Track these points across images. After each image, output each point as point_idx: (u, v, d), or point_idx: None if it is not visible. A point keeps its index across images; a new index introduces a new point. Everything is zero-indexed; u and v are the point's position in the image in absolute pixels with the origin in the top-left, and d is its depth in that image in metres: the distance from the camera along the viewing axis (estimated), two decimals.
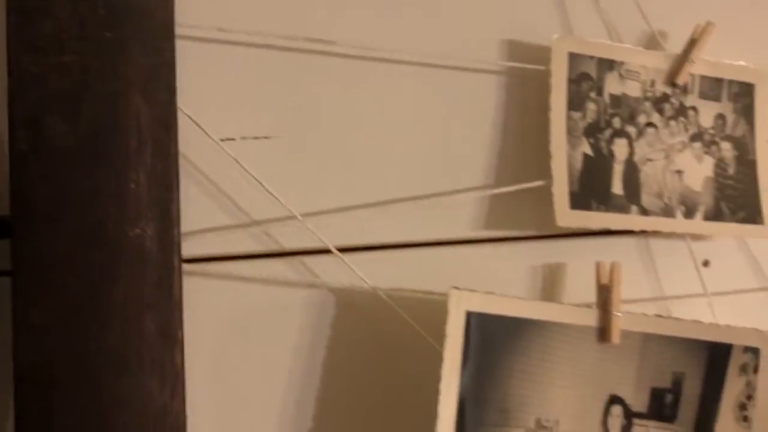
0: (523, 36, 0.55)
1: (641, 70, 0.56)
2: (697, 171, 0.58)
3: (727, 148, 0.59)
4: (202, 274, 0.47)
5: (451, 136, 0.54)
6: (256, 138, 0.48)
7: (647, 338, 0.55)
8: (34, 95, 0.37)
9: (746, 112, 0.60)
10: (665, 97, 0.57)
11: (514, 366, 0.50)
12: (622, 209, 0.54)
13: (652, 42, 0.59)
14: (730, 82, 0.60)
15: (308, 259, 0.50)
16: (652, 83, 0.57)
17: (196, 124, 0.45)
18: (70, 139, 0.38)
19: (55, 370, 0.38)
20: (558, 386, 0.52)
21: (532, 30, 0.55)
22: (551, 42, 0.53)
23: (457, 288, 0.48)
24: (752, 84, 0.61)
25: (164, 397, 0.39)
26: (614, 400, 0.55)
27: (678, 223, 0.56)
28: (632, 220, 0.54)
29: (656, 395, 0.56)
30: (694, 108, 0.58)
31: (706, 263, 0.62)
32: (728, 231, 0.58)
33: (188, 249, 0.46)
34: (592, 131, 0.55)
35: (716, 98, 0.59)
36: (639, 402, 0.55)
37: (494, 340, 0.50)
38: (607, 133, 0.55)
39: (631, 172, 0.55)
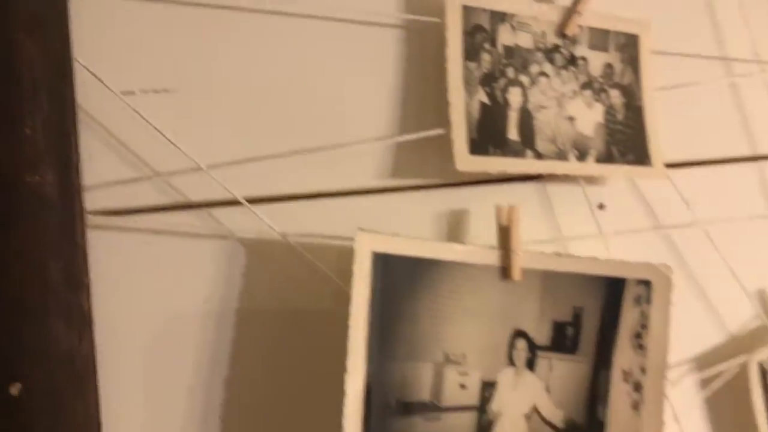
0: None
1: (532, 21, 0.59)
2: (588, 117, 0.61)
3: (615, 96, 0.62)
4: (108, 227, 0.48)
5: (353, 88, 0.55)
6: (156, 91, 0.49)
7: (547, 275, 0.58)
8: None
9: (632, 61, 0.64)
10: (556, 48, 0.60)
11: (420, 304, 0.52)
12: (518, 154, 0.57)
13: None
14: (617, 33, 0.63)
15: (216, 211, 0.51)
16: (543, 34, 0.60)
17: (93, 75, 0.45)
18: None
19: None
20: (464, 322, 0.55)
21: None
22: None
23: (363, 230, 0.49)
24: (636, 35, 0.64)
25: (71, 340, 0.39)
26: (518, 334, 0.57)
27: (572, 166, 0.59)
28: (528, 163, 0.57)
29: (558, 329, 0.59)
30: (583, 58, 0.62)
31: (601, 206, 0.65)
32: (619, 173, 0.61)
33: (93, 202, 0.46)
34: (487, 81, 0.57)
35: (604, 48, 0.62)
36: (542, 335, 0.58)
37: (401, 280, 0.52)
38: (502, 82, 0.58)
39: (526, 119, 0.58)
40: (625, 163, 0.62)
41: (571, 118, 0.60)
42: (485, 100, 0.57)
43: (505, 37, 0.58)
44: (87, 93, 0.45)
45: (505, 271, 0.56)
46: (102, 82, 0.45)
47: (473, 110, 0.56)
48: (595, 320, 0.60)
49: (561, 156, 0.59)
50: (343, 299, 0.48)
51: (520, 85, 0.58)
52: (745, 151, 0.74)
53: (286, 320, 0.52)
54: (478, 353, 0.55)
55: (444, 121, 0.55)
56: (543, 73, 0.60)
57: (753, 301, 0.72)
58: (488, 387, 0.56)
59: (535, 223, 0.63)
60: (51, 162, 0.40)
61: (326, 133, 0.54)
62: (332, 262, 0.52)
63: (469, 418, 0.55)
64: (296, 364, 0.53)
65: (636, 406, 0.60)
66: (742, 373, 0.67)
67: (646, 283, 0.61)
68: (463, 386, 0.55)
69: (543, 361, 0.58)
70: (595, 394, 0.60)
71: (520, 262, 0.57)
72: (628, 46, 0.64)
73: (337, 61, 0.55)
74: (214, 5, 0.50)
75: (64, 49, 0.41)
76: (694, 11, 0.71)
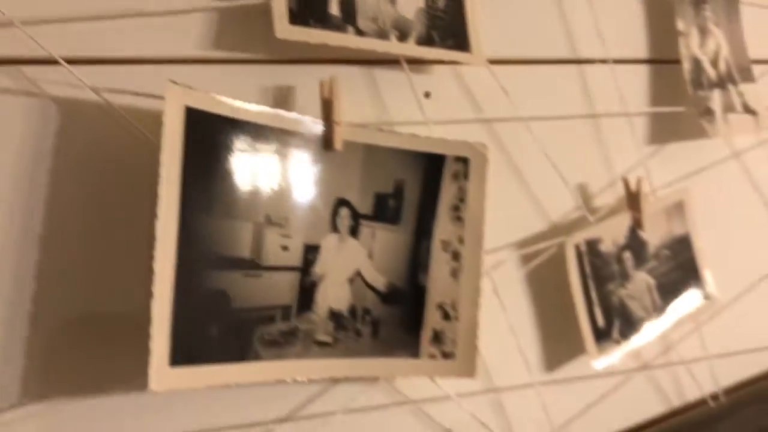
0: None
1: None
2: (409, 1, 0.64)
3: None
4: None
5: None
6: None
7: (369, 149, 0.61)
8: None
9: None
10: None
11: (241, 165, 0.54)
12: (339, 29, 0.60)
13: None
14: None
15: (28, 69, 0.51)
16: None
17: None
18: None
19: None
20: (287, 188, 0.57)
21: None
22: None
23: (174, 82, 0.50)
24: None
25: None
26: (341, 202, 0.60)
27: (392, 45, 0.62)
28: (349, 39, 0.60)
29: (380, 200, 0.62)
30: None
31: (427, 94, 0.69)
32: (438, 56, 0.65)
33: None
34: None
35: None
36: (365, 205, 0.61)
37: (220, 141, 0.53)
38: None
39: None
40: (444, 47, 0.65)
41: (392, 1, 0.63)
42: None
43: None
44: None
45: (327, 141, 0.59)
46: None
47: None
48: (416, 193, 0.63)
49: (382, 35, 0.62)
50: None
51: None
52: (566, 54, 0.79)
53: (100, 179, 0.53)
54: (301, 218, 0.57)
55: None
56: None
57: (574, 194, 0.78)
58: (311, 250, 0.58)
59: (362, 107, 0.66)
60: None
61: None
62: (149, 125, 0.53)
63: (291, 278, 0.57)
64: (111, 221, 0.53)
65: (455, 274, 0.64)
66: (560, 254, 0.73)
67: (464, 161, 0.65)
68: (285, 248, 0.57)
69: (366, 229, 0.61)
70: (417, 262, 0.63)
71: (342, 134, 0.59)
72: None
73: None
74: None
75: None
76: None
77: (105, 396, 0.53)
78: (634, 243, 0.79)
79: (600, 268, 0.76)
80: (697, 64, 0.85)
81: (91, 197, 0.53)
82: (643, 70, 0.85)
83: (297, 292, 0.58)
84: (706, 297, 0.85)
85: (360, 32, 0.61)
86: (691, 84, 0.83)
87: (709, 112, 0.84)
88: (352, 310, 0.60)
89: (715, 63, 0.87)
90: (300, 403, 0.62)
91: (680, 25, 0.84)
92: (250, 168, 0.55)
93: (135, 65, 0.55)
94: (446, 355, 0.64)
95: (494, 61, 0.71)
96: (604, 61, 0.80)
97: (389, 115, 0.67)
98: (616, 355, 0.75)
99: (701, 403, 0.89)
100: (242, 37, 0.59)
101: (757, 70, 0.92)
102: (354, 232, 0.61)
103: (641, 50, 0.85)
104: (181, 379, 0.50)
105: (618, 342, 0.76)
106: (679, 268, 0.83)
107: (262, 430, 0.60)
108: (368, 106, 0.66)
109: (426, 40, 0.64)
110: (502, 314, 0.71)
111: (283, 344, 0.57)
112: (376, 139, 0.61)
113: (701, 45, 0.86)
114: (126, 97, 0.54)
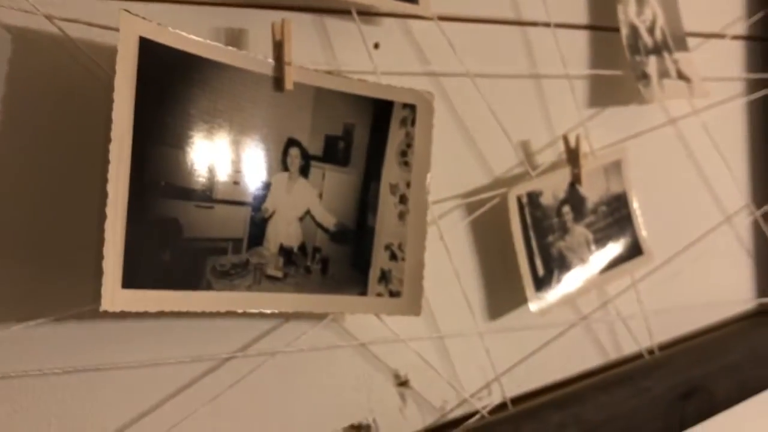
0: None
1: None
2: None
3: None
4: None
5: None
6: None
7: (319, 91, 0.63)
8: None
9: None
10: None
11: (193, 99, 0.55)
12: None
13: None
14: None
15: None
16: None
17: None
18: None
19: None
20: (237, 124, 0.58)
21: None
22: None
23: (128, 11, 0.51)
24: None
25: None
26: (291, 142, 0.62)
27: None
28: None
29: (330, 142, 0.64)
30: None
31: (376, 45, 0.71)
32: (388, 6, 0.67)
33: None
34: None
35: None
36: (314, 147, 0.63)
37: (173, 73, 0.54)
38: None
39: None
40: None
41: None
42: None
43: None
44: None
45: (278, 82, 0.60)
46: None
47: None
48: (365, 137, 0.65)
49: None
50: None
51: None
52: (510, 15, 0.82)
53: (53, 109, 0.54)
54: (252, 155, 0.59)
55: None
56: None
57: (517, 150, 0.81)
58: (262, 187, 0.60)
59: (313, 55, 0.68)
60: None
61: None
62: (104, 58, 0.54)
63: (242, 213, 0.59)
64: (63, 152, 0.54)
65: (402, 216, 0.67)
66: (503, 205, 0.76)
67: (412, 107, 0.67)
68: (236, 183, 0.59)
69: (316, 170, 0.63)
70: (365, 203, 0.66)
71: (292, 74, 0.61)
72: None
73: None
74: None
75: None
76: None
77: (56, 323, 0.54)
78: (574, 198, 0.83)
79: (541, 220, 0.79)
80: (634, 30, 0.89)
81: (42, 127, 0.53)
82: (583, 35, 0.89)
83: (248, 227, 0.59)
84: (641, 253, 0.89)
85: None
86: (628, 49, 0.87)
87: (645, 77, 0.88)
88: (303, 248, 0.62)
89: (651, 30, 0.91)
90: (249, 340, 0.64)
91: None
92: (202, 103, 0.56)
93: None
94: (393, 294, 0.66)
95: (441, 18, 0.74)
96: (547, 25, 0.83)
97: (339, 64, 0.69)
98: (552, 300, 0.78)
99: (637, 356, 0.93)
100: None
101: (692, 42, 0.96)
102: (304, 172, 0.62)
103: (582, 16, 0.89)
104: (133, 301, 0.52)
105: (556, 289, 0.79)
106: (616, 224, 0.87)
107: (210, 364, 0.61)
108: (319, 54, 0.68)
109: None
110: (447, 262, 0.73)
111: (234, 276, 0.59)
112: (326, 82, 0.63)
113: (638, 13, 0.90)
114: (81, 29, 0.54)
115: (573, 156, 0.82)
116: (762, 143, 1.12)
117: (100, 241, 0.49)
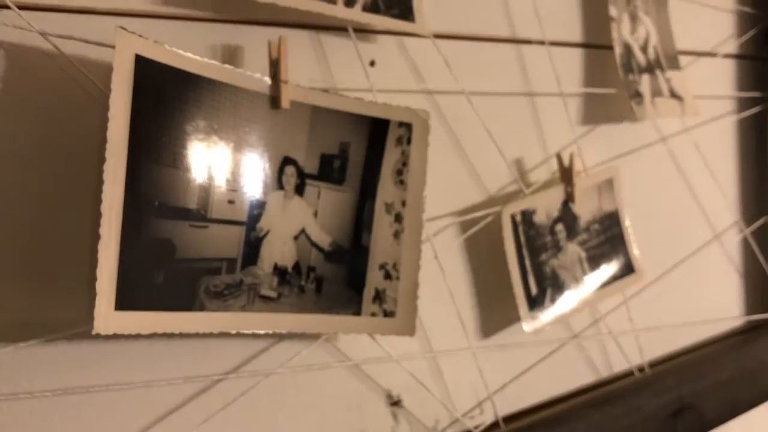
0: None
1: None
2: None
3: None
4: None
5: None
6: None
7: (316, 110, 0.62)
8: None
9: None
10: None
11: (189, 118, 0.55)
12: None
13: None
14: None
15: None
16: None
17: None
18: None
19: None
20: (233, 144, 0.58)
21: None
22: None
23: (124, 29, 0.51)
24: None
25: None
26: (287, 161, 0.61)
27: (339, 10, 0.64)
28: (296, 0, 0.61)
29: (325, 160, 0.64)
30: None
31: (372, 63, 0.71)
32: (385, 23, 0.67)
33: None
34: None
35: None
36: (310, 165, 0.63)
37: (170, 91, 0.54)
38: None
39: None
40: (390, 16, 0.67)
41: None
42: None
43: None
44: None
45: (275, 100, 0.60)
46: None
47: None
48: (361, 156, 0.65)
49: (329, 0, 0.63)
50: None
51: None
52: (505, 34, 0.82)
53: (47, 126, 0.53)
54: (247, 174, 0.58)
55: None
56: None
57: (511, 168, 0.81)
58: (257, 206, 0.59)
59: (310, 71, 0.67)
60: None
61: None
62: (99, 75, 0.53)
63: (236, 232, 0.58)
64: (56, 169, 0.53)
65: (397, 235, 0.66)
66: (497, 223, 0.76)
67: (408, 126, 0.67)
68: (231, 202, 0.58)
69: (311, 188, 0.63)
70: (360, 222, 0.65)
71: (289, 93, 0.60)
72: None
73: None
74: None
75: None
76: None
77: (47, 344, 0.53)
78: (567, 216, 0.83)
79: (534, 239, 0.79)
80: (627, 49, 0.89)
81: (36, 145, 0.53)
82: (577, 54, 0.89)
83: (242, 246, 0.59)
84: (633, 271, 0.89)
85: None
86: (621, 67, 0.88)
87: (638, 95, 0.88)
88: (297, 267, 0.62)
89: (644, 49, 0.91)
90: (242, 360, 0.63)
91: (612, 11, 0.88)
92: (198, 121, 0.55)
93: (85, 15, 0.55)
94: (387, 314, 0.66)
95: (437, 36, 0.73)
96: (541, 43, 0.83)
97: (335, 81, 0.68)
98: (545, 319, 0.78)
99: (628, 374, 0.93)
100: None
101: (683, 60, 0.97)
102: (299, 190, 0.62)
103: (577, 34, 0.89)
104: (126, 324, 0.51)
105: (549, 309, 0.79)
106: (608, 243, 0.87)
107: (202, 385, 0.60)
108: (315, 71, 0.68)
109: (372, 8, 0.66)
110: (441, 280, 0.73)
111: (227, 296, 0.58)
112: (322, 100, 0.63)
113: (632, 31, 0.90)
114: (76, 46, 0.54)
115: (566, 174, 0.82)
116: (752, 161, 1.12)
117: (93, 262, 0.48)
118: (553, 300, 0.80)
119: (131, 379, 0.57)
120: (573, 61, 0.88)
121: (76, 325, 0.53)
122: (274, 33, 0.62)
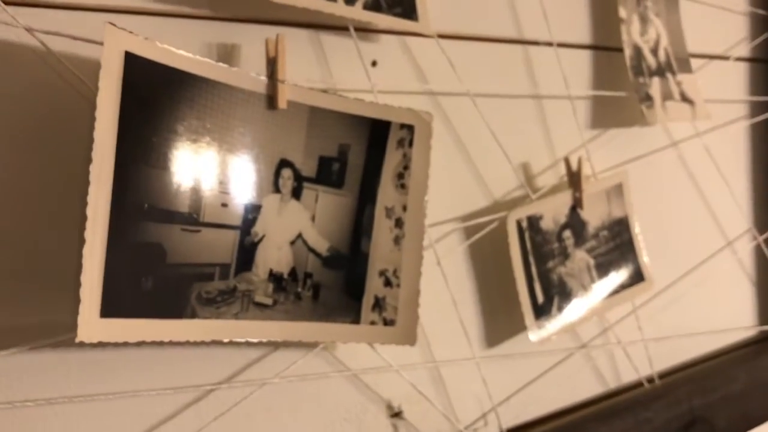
0: None
1: None
2: None
3: None
4: None
5: None
6: None
7: (314, 111, 0.60)
8: None
9: None
10: None
11: (181, 118, 0.53)
12: None
13: None
14: None
15: None
16: None
17: None
18: None
19: None
20: (228, 144, 0.56)
21: None
22: None
23: (113, 25, 0.49)
24: None
25: None
26: (284, 163, 0.59)
27: (339, 7, 0.62)
28: None
29: (324, 163, 0.61)
30: None
31: (374, 63, 0.69)
32: (386, 22, 0.65)
33: None
34: None
35: None
36: (308, 168, 0.60)
37: (161, 90, 0.52)
38: None
39: None
40: (392, 15, 0.65)
41: None
42: None
43: None
44: None
45: (271, 100, 0.58)
46: None
47: None
48: (361, 158, 0.63)
49: None
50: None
51: None
52: (512, 34, 0.80)
53: (34, 124, 0.51)
54: (242, 176, 0.56)
55: None
56: None
57: (517, 172, 0.79)
58: (252, 210, 0.57)
59: (309, 71, 0.65)
60: None
61: None
62: (87, 73, 0.51)
63: (230, 236, 0.56)
64: (43, 168, 0.51)
65: (397, 241, 0.64)
66: (503, 229, 0.73)
67: (410, 128, 0.65)
68: (224, 205, 0.56)
69: (309, 192, 0.60)
70: (360, 227, 0.63)
71: (286, 93, 0.58)
72: None
73: None
74: None
75: None
76: None
77: (31, 352, 0.51)
78: (575, 222, 0.80)
79: (541, 246, 0.77)
80: (637, 51, 0.87)
81: (22, 145, 0.51)
82: (586, 55, 0.87)
83: (236, 251, 0.57)
84: (643, 279, 0.86)
85: None
86: (631, 70, 0.85)
87: (648, 98, 0.86)
88: (293, 273, 0.60)
89: (655, 51, 0.89)
90: (237, 369, 0.61)
91: (622, 12, 0.86)
92: (190, 121, 0.53)
93: (75, 11, 0.53)
94: (387, 322, 0.64)
95: (441, 36, 0.71)
96: (549, 44, 0.81)
97: (335, 81, 0.66)
98: (552, 329, 0.75)
99: (637, 385, 0.90)
100: None
101: (695, 63, 0.94)
102: (296, 194, 0.60)
103: (585, 36, 0.87)
104: (112, 332, 0.49)
105: (556, 318, 0.77)
106: (617, 250, 0.85)
107: (194, 395, 0.58)
108: (315, 70, 0.66)
109: (374, 6, 0.64)
110: (444, 287, 0.70)
111: (220, 303, 0.56)
112: (321, 101, 0.60)
113: (642, 33, 0.88)
114: (64, 43, 0.52)
115: (574, 179, 0.79)
116: (765, 167, 1.10)
117: (79, 267, 0.46)
118: (560, 308, 0.77)
119: (121, 388, 0.55)
120: (582, 63, 0.86)
121: (62, 332, 0.51)
122: (272, 31, 0.60)
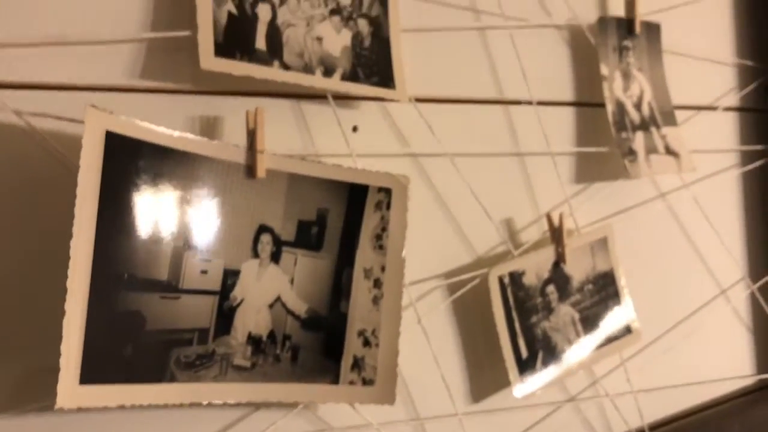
0: None
1: None
2: (335, 40, 0.67)
3: (363, 24, 0.69)
4: None
5: None
6: None
7: (293, 177, 0.63)
8: None
9: None
10: None
11: (161, 190, 0.55)
12: (265, 63, 0.62)
13: None
14: None
15: None
16: None
17: None
18: None
19: None
20: (208, 213, 0.58)
21: None
22: None
23: (94, 106, 0.52)
24: None
25: None
26: (263, 229, 0.62)
27: (317, 80, 0.65)
28: (274, 72, 0.62)
29: (303, 227, 0.64)
30: None
31: (355, 129, 0.71)
32: (363, 91, 0.68)
33: None
34: None
35: None
36: (287, 232, 0.63)
37: (140, 165, 0.55)
38: None
39: (274, 32, 0.63)
40: (369, 84, 0.68)
41: (319, 38, 0.66)
42: (233, 11, 0.61)
43: None
44: None
45: (251, 170, 0.61)
46: None
47: (221, 18, 0.60)
48: (339, 222, 0.65)
49: (308, 70, 0.64)
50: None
51: (270, 2, 0.63)
52: (492, 95, 0.82)
53: (21, 201, 0.54)
54: (221, 243, 0.59)
55: (195, 26, 0.59)
56: None
57: (499, 229, 0.81)
58: (231, 275, 0.60)
59: (291, 140, 0.68)
60: None
61: (75, 24, 0.56)
62: (73, 150, 0.54)
63: (209, 302, 0.59)
64: (30, 243, 0.54)
65: (376, 301, 0.66)
66: (485, 285, 0.75)
67: (387, 191, 0.67)
68: (204, 272, 0.58)
69: (288, 255, 0.63)
70: (339, 289, 0.65)
71: (265, 162, 0.61)
72: None
73: None
74: None
75: None
76: None
77: (17, 416, 0.53)
78: (558, 277, 0.82)
79: (524, 301, 0.78)
80: (620, 106, 0.89)
81: (9, 218, 0.54)
82: (569, 111, 0.89)
83: (215, 316, 0.59)
84: (630, 331, 0.87)
85: (286, 66, 0.63)
86: (614, 126, 0.87)
87: (631, 153, 0.88)
88: (272, 336, 0.62)
89: (638, 106, 0.91)
90: (219, 429, 0.62)
91: (604, 69, 0.88)
92: (171, 193, 0.56)
93: (60, 91, 0.56)
94: (366, 382, 0.65)
95: (421, 99, 0.74)
96: (529, 103, 0.83)
97: (317, 148, 0.69)
98: (536, 384, 0.76)
99: None
100: (170, 68, 0.61)
101: (683, 115, 0.96)
102: (275, 258, 0.62)
103: (568, 93, 0.89)
104: (91, 397, 0.51)
105: (540, 372, 0.77)
106: (603, 303, 0.86)
107: None
108: (296, 138, 0.69)
109: (351, 77, 0.67)
110: (427, 344, 0.72)
111: (199, 367, 0.58)
112: (299, 168, 0.63)
113: (625, 89, 0.90)
114: (50, 122, 0.55)
115: (557, 234, 0.81)
116: (757, 215, 1.10)
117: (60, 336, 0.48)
118: (545, 363, 0.78)
119: None
120: (565, 119, 0.88)
121: (47, 397, 0.53)
122: (254, 103, 0.63)
